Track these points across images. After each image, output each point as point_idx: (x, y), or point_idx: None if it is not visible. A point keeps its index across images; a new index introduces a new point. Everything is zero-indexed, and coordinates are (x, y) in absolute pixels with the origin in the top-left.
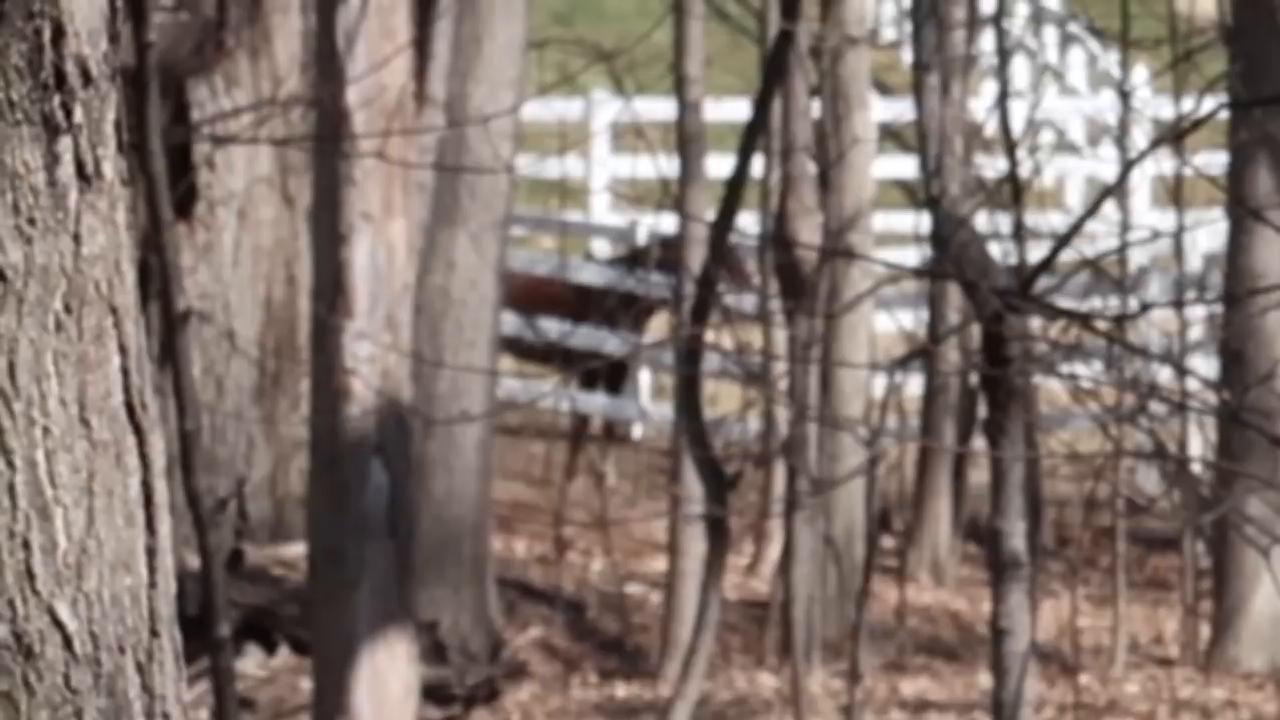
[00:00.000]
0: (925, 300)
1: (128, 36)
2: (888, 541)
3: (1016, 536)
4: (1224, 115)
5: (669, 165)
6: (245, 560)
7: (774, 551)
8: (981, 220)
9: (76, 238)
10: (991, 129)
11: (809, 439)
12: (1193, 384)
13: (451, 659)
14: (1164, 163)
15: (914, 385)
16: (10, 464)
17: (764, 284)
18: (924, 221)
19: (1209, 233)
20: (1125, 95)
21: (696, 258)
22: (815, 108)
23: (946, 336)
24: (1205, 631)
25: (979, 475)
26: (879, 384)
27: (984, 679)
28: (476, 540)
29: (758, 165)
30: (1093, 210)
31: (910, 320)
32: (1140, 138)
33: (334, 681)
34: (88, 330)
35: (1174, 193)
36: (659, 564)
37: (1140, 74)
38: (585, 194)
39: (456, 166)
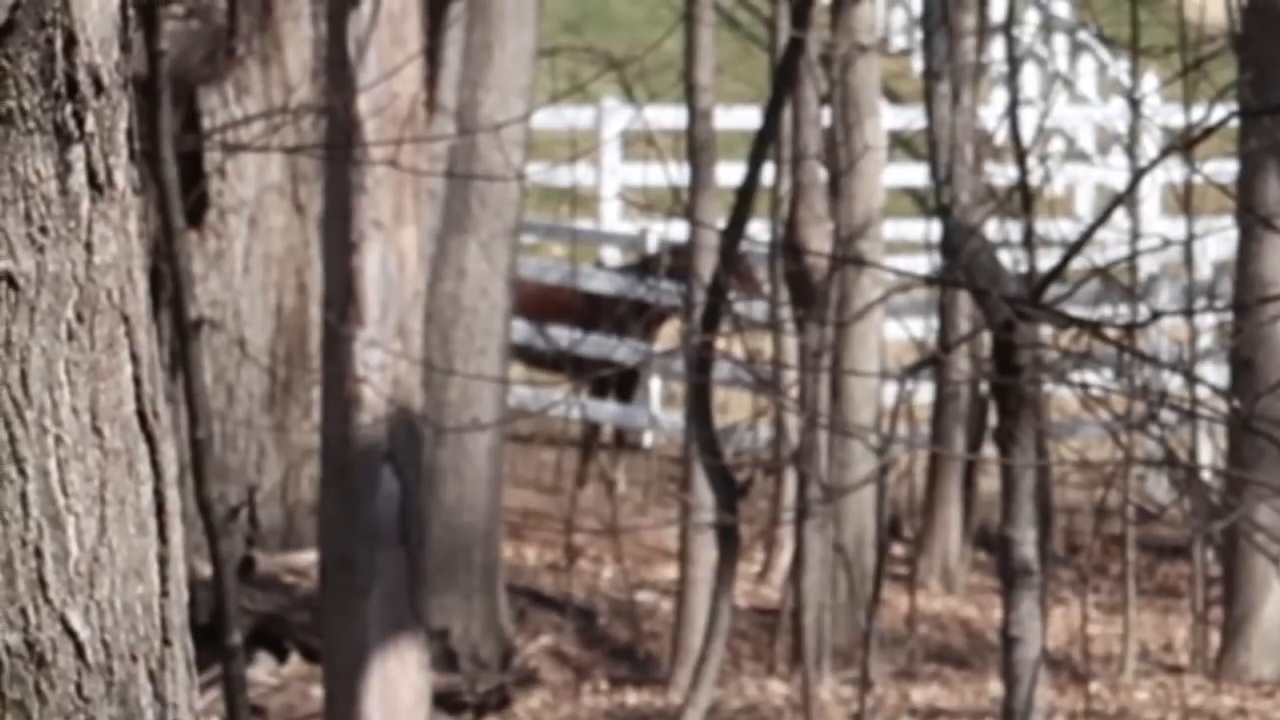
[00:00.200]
0: (935, 308)
1: (139, 45)
2: (898, 549)
3: (1027, 544)
4: (1234, 123)
5: (679, 173)
6: (256, 568)
7: (785, 559)
8: (992, 228)
9: (89, 246)
10: (1002, 137)
11: (819, 447)
12: (1203, 392)
13: (462, 666)
14: (1174, 171)
15: (924, 393)
16: (22, 472)
17: (774, 292)
18: (934, 229)
19: (1219, 240)
20: (1135, 103)
21: (707, 265)
22: (825, 116)
23: (957, 344)
24: (1215, 639)
25: (989, 483)
26: (889, 392)
27: (995, 686)
28: (487, 548)
29: (768, 173)
30: (1103, 218)
31: (920, 328)
32: (1150, 146)
33: (345, 689)
34: (100, 339)
35: (1184, 201)
36: (670, 571)
37: (1150, 82)
38: (596, 202)
39: (467, 174)
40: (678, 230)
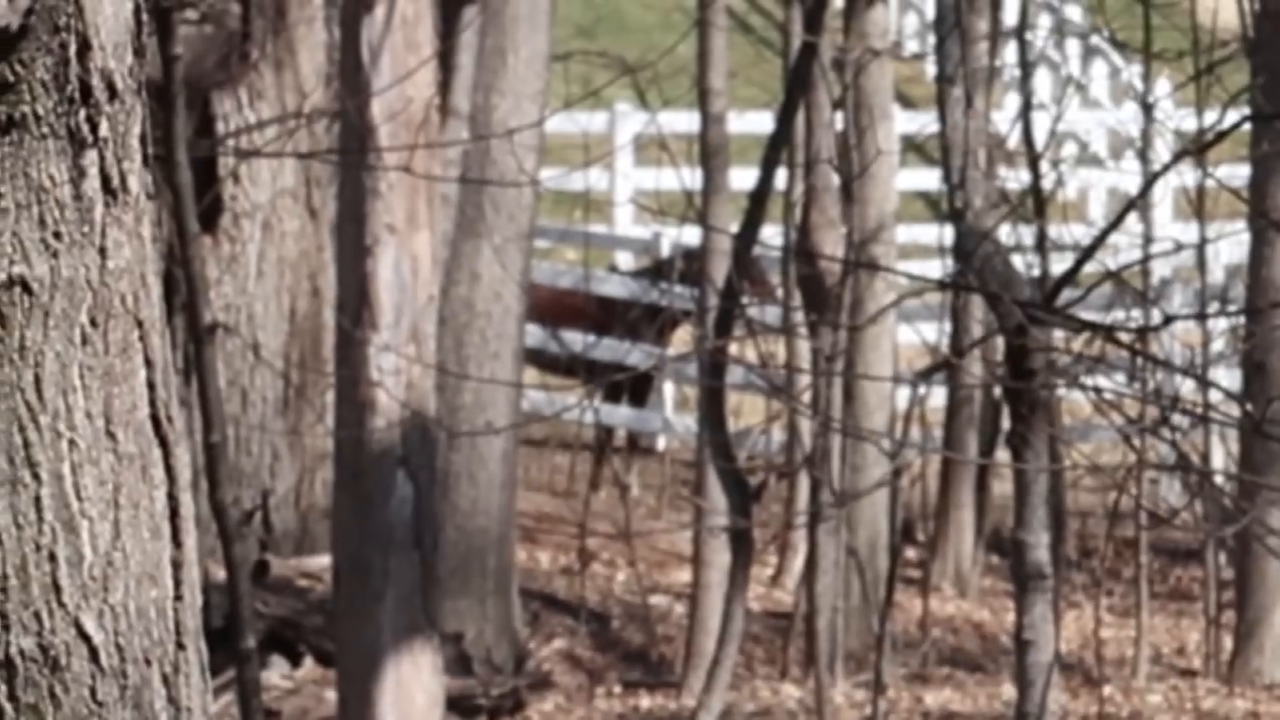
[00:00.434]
0: (948, 312)
1: (153, 50)
2: (911, 553)
3: (1040, 548)
4: (1246, 128)
5: (692, 177)
6: (270, 572)
7: (798, 563)
8: (1005, 232)
9: (102, 251)
10: (1015, 141)
11: (832, 451)
12: (1215, 396)
13: (476, 670)
14: (1186, 175)
15: (937, 397)
16: (36, 477)
17: (787, 296)
18: (947, 234)
19: (1231, 245)
20: (1148, 108)
21: (720, 270)
22: (838, 120)
23: (970, 349)
24: (1228, 643)
25: (1002, 487)
26: (902, 396)
27: (1007, 690)
28: (501, 552)
29: (781, 178)
30: (1116, 223)
31: (933, 332)
32: (1163, 150)
33: (359, 693)
34: (114, 343)
35: (1196, 205)
36: (683, 575)
37: (1163, 86)
38: (609, 206)
39: (481, 179)
40: (691, 235)
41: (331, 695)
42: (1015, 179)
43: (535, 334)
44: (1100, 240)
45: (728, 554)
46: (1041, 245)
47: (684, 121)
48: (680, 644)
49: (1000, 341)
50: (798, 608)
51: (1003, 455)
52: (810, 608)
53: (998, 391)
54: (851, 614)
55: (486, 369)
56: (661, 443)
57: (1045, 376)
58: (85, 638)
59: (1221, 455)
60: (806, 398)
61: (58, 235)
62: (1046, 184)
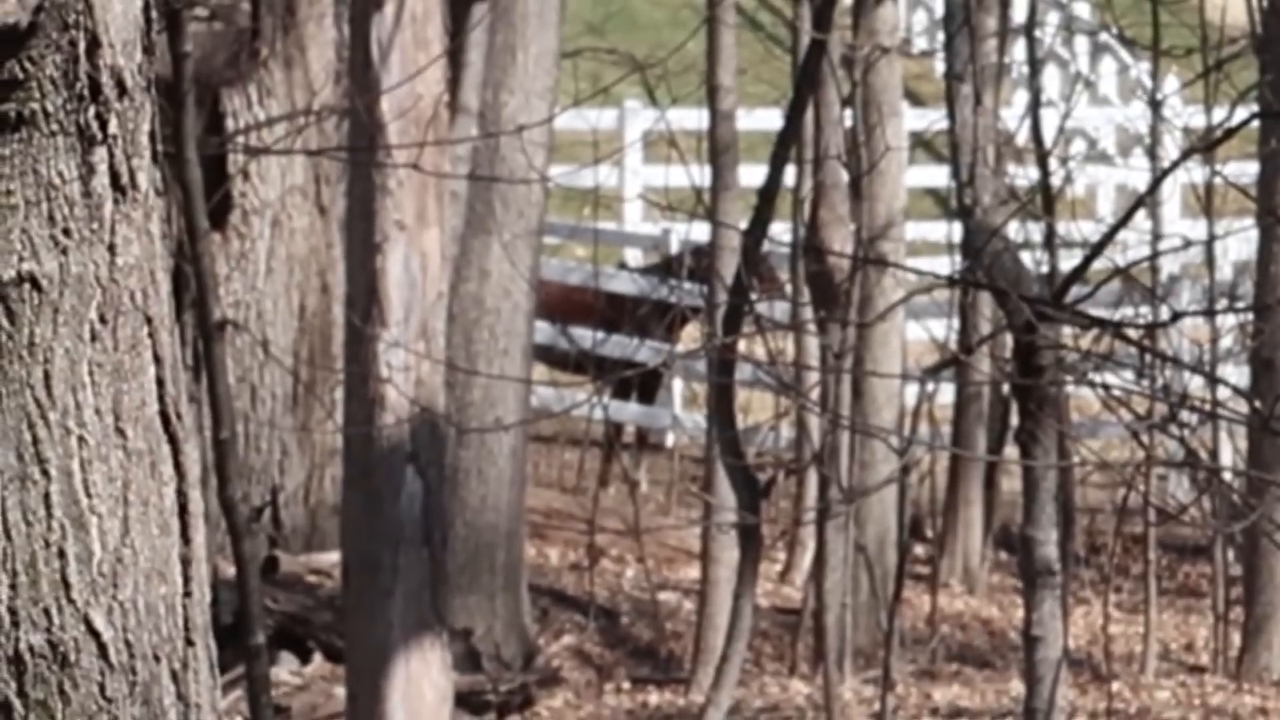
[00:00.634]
0: (957, 309)
1: (163, 47)
2: (920, 549)
3: (1048, 544)
4: (1255, 125)
5: (701, 174)
6: (279, 568)
7: (806, 559)
8: (1013, 229)
9: (112, 248)
10: (1024, 138)
11: (841, 447)
12: (1224, 393)
13: (485, 666)
14: (1195, 172)
15: (946, 394)
16: (46, 473)
17: (796, 293)
18: (956, 230)
19: (1240, 241)
20: (1156, 105)
21: (729, 266)
22: (847, 117)
23: (978, 345)
24: (1236, 639)
25: (1011, 483)
26: (911, 393)
27: (1016, 686)
28: (510, 548)
29: (790, 174)
30: (1125, 220)
31: (942, 329)
32: (1171, 147)
33: (368, 689)
34: (123, 340)
35: (1205, 202)
36: (692, 571)
37: (1171, 83)
38: (618, 203)
39: (490, 176)
40: (700, 231)
41: (341, 691)
42: (1024, 176)
43: (544, 330)
44: (1109, 237)
45: (736, 550)
46: (1050, 242)
47: (693, 118)
48: (689, 640)
49: (1009, 338)
50: (806, 604)
51: (1011, 452)
52: (819, 604)
53: (1006, 388)
54: (860, 610)
55: (496, 365)
56: (670, 439)
57: (1054, 373)
58: (94, 634)
59: (1230, 452)
60: (815, 394)
61: (67, 232)
62: (1055, 181)
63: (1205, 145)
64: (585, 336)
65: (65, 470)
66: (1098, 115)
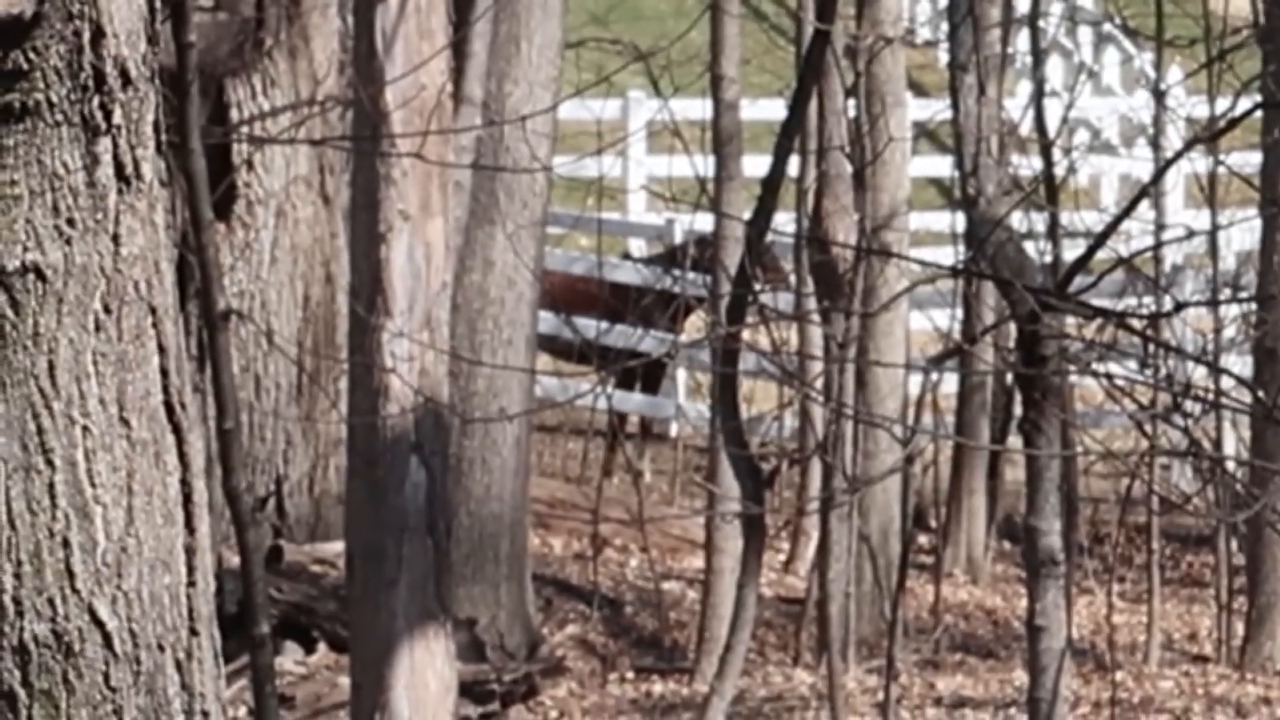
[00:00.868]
0: (960, 299)
1: (167, 37)
2: (923, 539)
3: (1052, 534)
4: (1258, 115)
5: (705, 164)
6: (284, 558)
7: (810, 549)
8: (1017, 219)
9: (116, 238)
10: (1027, 128)
11: (845, 437)
12: (1227, 382)
13: (489, 656)
14: (1198, 162)
15: (949, 384)
16: (50, 463)
17: (800, 283)
18: (959, 220)
19: (1243, 231)
20: (1160, 95)
21: (733, 257)
22: (851, 107)
23: (982, 335)
24: (1240, 628)
25: (1014, 473)
26: (915, 382)
27: (1020, 676)
28: (514, 538)
29: (793, 165)
30: (1128, 210)
31: (945, 319)
32: (1175, 137)
33: (372, 679)
34: (127, 330)
35: (1208, 192)
36: (696, 561)
37: (1175, 74)
38: (622, 193)
39: (494, 166)
40: (704, 221)
41: (345, 681)
42: (1028, 166)
43: (548, 320)
44: (1113, 227)
45: (740, 540)
46: (1054, 232)
47: (697, 109)
48: (693, 630)
49: (1012, 328)
50: (810, 594)
51: (1015, 441)
52: (823, 594)
53: (1010, 378)
54: (864, 600)
55: (500, 355)
56: (674, 429)
57: (1057, 363)
58: (99, 623)
59: (1233, 441)
60: (819, 384)
61: (71, 222)
62: (1059, 171)
63: (1209, 135)
64: (589, 326)
65: (70, 460)
66: (1101, 105)
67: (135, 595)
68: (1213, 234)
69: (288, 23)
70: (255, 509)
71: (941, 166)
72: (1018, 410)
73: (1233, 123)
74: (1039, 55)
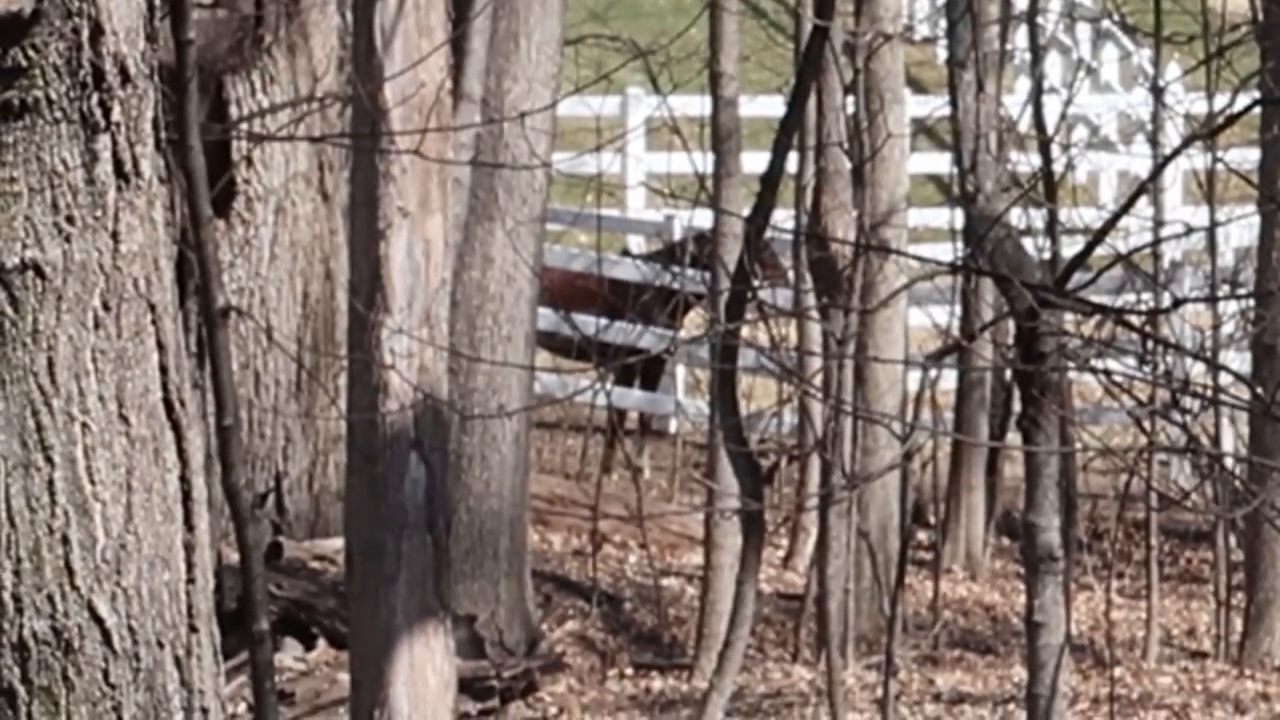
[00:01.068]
0: (959, 296)
1: (166, 34)
2: (922, 535)
3: (1051, 530)
4: (1256, 112)
5: (704, 161)
6: (283, 554)
7: (809, 545)
8: (1016, 216)
9: (115, 235)
10: (1026, 125)
11: (844, 433)
12: (1225, 379)
13: (489, 652)
14: (1196, 159)
15: (948, 380)
16: (50, 460)
17: (798, 279)
18: (958, 217)
19: (1241, 228)
20: (1158, 91)
21: (731, 253)
22: (850, 104)
23: (981, 331)
24: (1238, 625)
25: (1013, 469)
26: (913, 379)
27: (1018, 672)
28: (513, 534)
29: (792, 161)
30: (1126, 206)
31: (944, 315)
32: (1173, 134)
33: (371, 675)
34: (126, 327)
35: (1207, 188)
36: (695, 557)
37: (1173, 70)
38: (621, 190)
39: (493, 163)
40: (702, 218)
41: (344, 677)
42: (1026, 162)
43: (548, 317)
44: (1111, 224)
45: (739, 536)
46: (1052, 229)
47: (696, 105)
48: (692, 626)
49: (1011, 324)
50: (809, 590)
51: (1014, 438)
52: (821, 590)
53: (1009, 374)
54: (863, 596)
55: (499, 352)
56: (673, 425)
57: (1056, 359)
58: (98, 620)
59: (1231, 438)
60: (818, 380)
61: (70, 219)
62: (1057, 167)
63: (1207, 132)
64: (588, 323)
65: (69, 457)
66: (1100, 102)
67: (134, 592)
68: (1211, 230)
69: (287, 20)
70: (255, 505)
71: (940, 163)
72: (1016, 406)
73: (1231, 119)
74: (1037, 52)
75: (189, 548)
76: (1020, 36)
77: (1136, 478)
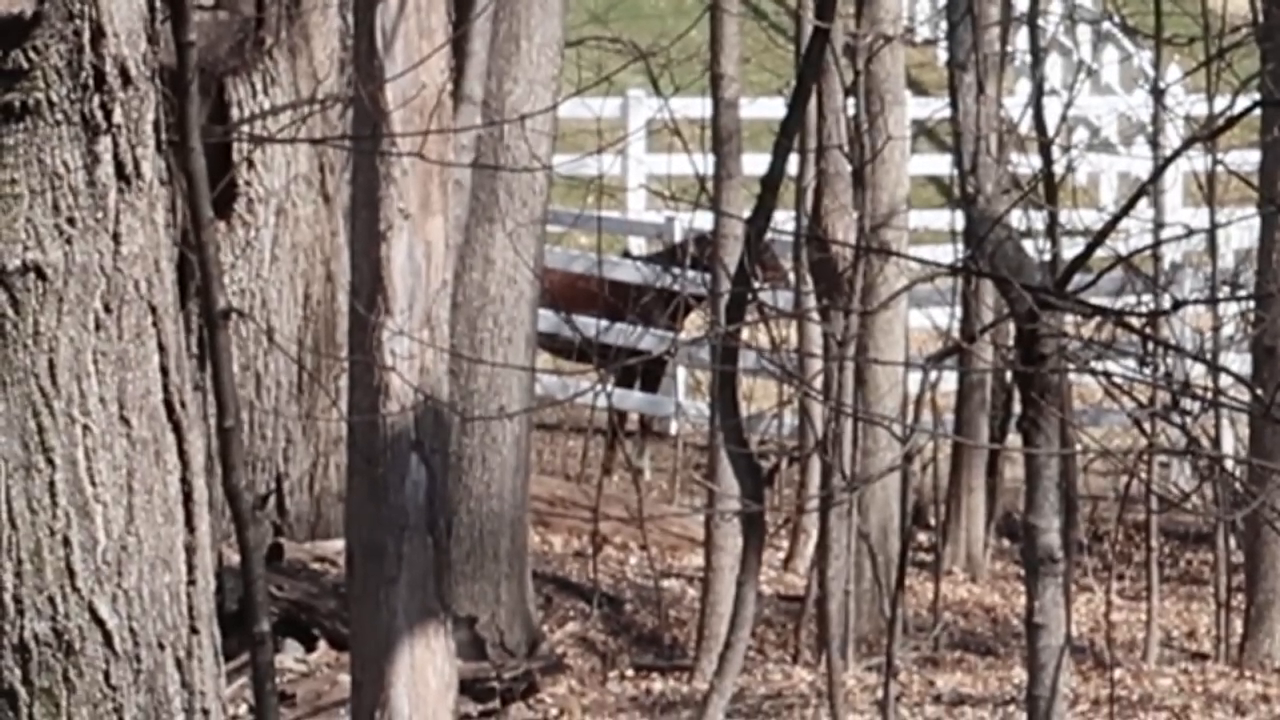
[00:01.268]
0: (959, 297)
1: (167, 36)
2: (922, 537)
3: (1051, 532)
4: (1256, 113)
5: (705, 163)
6: (284, 555)
7: (809, 547)
8: (1016, 218)
9: (116, 237)
10: (1026, 127)
11: (844, 435)
12: (1225, 381)
13: (489, 653)
14: (1197, 160)
15: (948, 382)
16: (51, 462)
17: (799, 281)
18: (959, 219)
19: (1242, 230)
20: (1159, 93)
21: (732, 255)
22: (850, 106)
23: (981, 334)
24: (1238, 626)
25: (1013, 471)
26: (914, 380)
27: (1019, 673)
28: (514, 535)
29: (793, 163)
30: (1127, 208)
31: (944, 317)
32: (1173, 135)
33: (372, 676)
34: (127, 329)
35: (1207, 190)
36: (695, 559)
37: (1173, 72)
38: (622, 192)
39: (494, 165)
40: (703, 220)
41: (345, 678)
42: (1026, 164)
43: (548, 319)
44: (1112, 225)
45: (740, 538)
46: (1052, 230)
47: (696, 107)
48: (693, 627)
49: (1011, 326)
50: (809, 591)
51: (1014, 440)
52: (822, 591)
53: (1009, 376)
54: (863, 598)
55: (500, 354)
56: (674, 427)
57: (1056, 361)
58: (99, 622)
59: (1231, 439)
60: (818, 382)
61: (71, 221)
62: (1058, 169)
63: (1207, 134)
64: (589, 325)
65: (70, 459)
66: (1100, 104)
67: (135, 593)
68: (1211, 232)
69: (288, 21)
70: (256, 507)
71: (941, 165)
72: (1017, 408)
73: (1231, 121)
74: (1038, 54)
75: (190, 549)
76: (1021, 38)
77: (1136, 479)
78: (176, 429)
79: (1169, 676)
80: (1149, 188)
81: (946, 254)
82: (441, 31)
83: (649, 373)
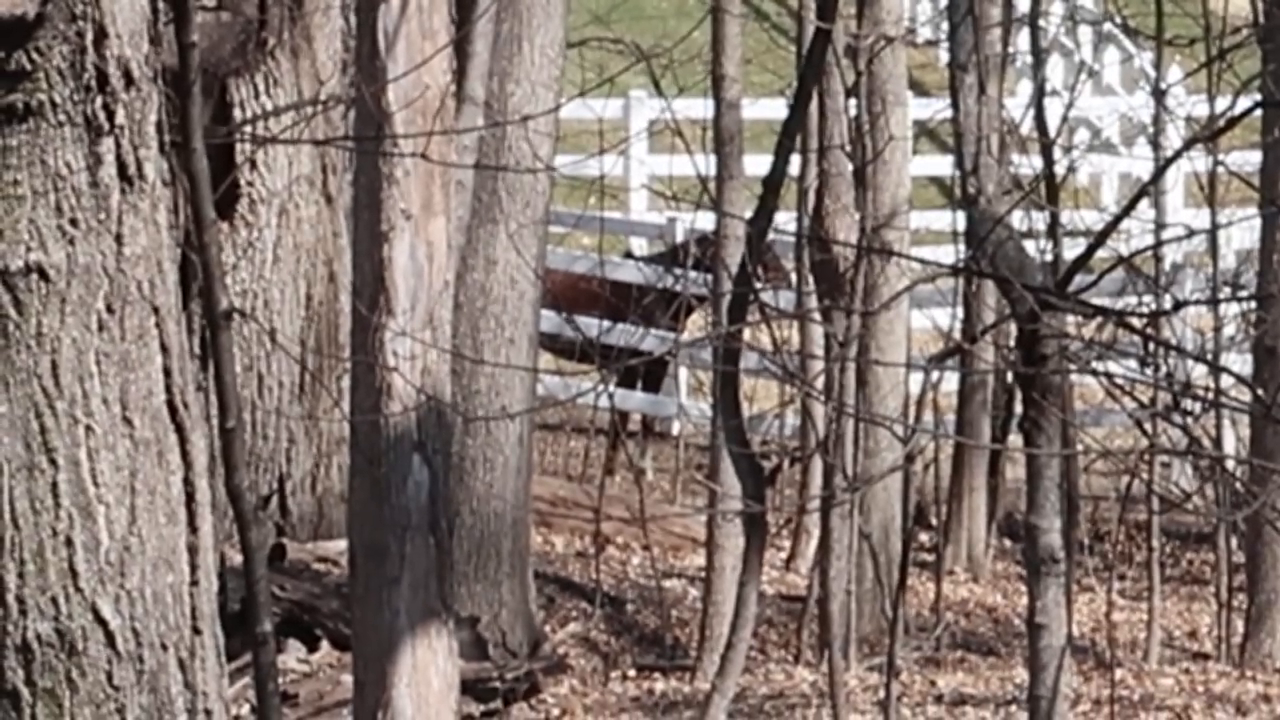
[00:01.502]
0: (961, 298)
1: (169, 37)
2: (924, 537)
3: (1052, 532)
4: (1257, 114)
5: (706, 164)
6: (287, 556)
7: (811, 547)
8: (1017, 218)
9: (119, 238)
10: (1027, 127)
11: (846, 436)
12: (1227, 381)
13: (492, 654)
14: (1198, 161)
15: (950, 382)
16: (54, 463)
17: (801, 282)
18: (960, 219)
19: (1243, 230)
20: (1160, 94)
21: (734, 255)
22: (851, 106)
23: (982, 334)
24: (1240, 626)
25: (1015, 471)
26: (915, 381)
27: (1020, 673)
28: (516, 536)
29: (794, 164)
30: (1128, 209)
31: (946, 318)
32: (1174, 136)
33: (374, 676)
34: (130, 330)
35: (1208, 191)
36: (697, 559)
37: (1174, 73)
38: (624, 192)
39: (496, 166)
40: (705, 220)
41: (348, 679)
42: (1028, 165)
43: (550, 319)
44: (1113, 226)
45: (741, 538)
46: (1054, 231)
47: (698, 108)
48: (694, 628)
49: (1013, 327)
50: (811, 592)
51: (1015, 440)
52: (824, 592)
53: (1010, 377)
54: (864, 598)
55: (502, 354)
56: (676, 427)
57: (1057, 362)
58: (102, 622)
59: (1233, 440)
60: (820, 383)
61: (74, 222)
62: (1059, 170)
63: (1208, 134)
64: (591, 325)
65: (73, 459)
66: (1101, 105)
67: (138, 594)
68: (1212, 233)
69: (290, 22)
70: (258, 507)
71: (942, 165)
72: (1018, 409)
73: (1232, 122)
74: (1039, 54)
75: (193, 550)
76: (1022, 39)
77: (1138, 480)
78: (179, 429)
79: (1170, 676)
80: (1150, 188)
81: (948, 255)
82: (444, 32)
83: (651, 373)
